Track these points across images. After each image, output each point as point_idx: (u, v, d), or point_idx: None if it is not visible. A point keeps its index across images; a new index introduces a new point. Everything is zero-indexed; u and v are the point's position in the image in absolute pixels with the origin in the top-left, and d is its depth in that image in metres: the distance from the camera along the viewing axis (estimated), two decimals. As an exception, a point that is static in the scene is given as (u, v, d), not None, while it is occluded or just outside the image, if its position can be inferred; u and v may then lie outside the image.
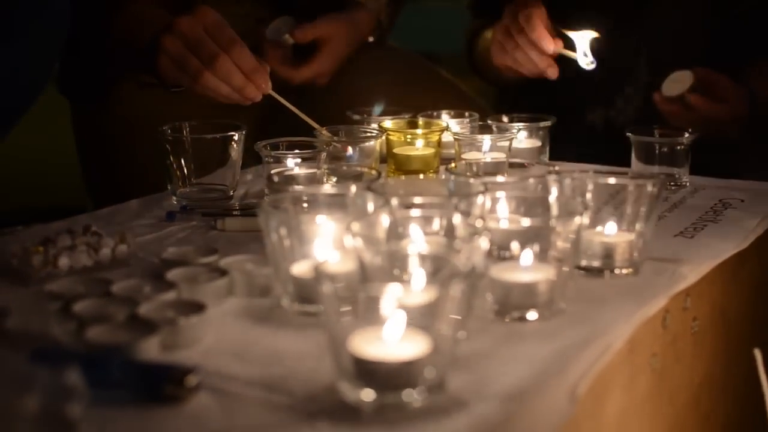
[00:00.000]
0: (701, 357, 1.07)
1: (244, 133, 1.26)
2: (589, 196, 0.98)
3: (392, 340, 0.71)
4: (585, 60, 1.49)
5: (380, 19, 1.61)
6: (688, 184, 1.33)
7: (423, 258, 0.80)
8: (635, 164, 1.33)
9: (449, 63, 3.36)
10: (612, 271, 0.98)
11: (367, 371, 0.71)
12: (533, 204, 0.96)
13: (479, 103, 1.83)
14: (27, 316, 0.83)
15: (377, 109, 1.54)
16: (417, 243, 0.83)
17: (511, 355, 0.80)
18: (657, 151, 1.31)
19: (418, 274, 0.79)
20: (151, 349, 0.78)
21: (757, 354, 0.99)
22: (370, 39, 1.61)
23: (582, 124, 1.85)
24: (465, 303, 0.82)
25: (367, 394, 0.71)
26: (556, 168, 1.04)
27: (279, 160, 1.23)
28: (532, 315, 0.87)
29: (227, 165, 1.27)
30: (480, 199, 0.95)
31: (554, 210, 0.95)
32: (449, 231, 0.88)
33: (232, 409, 0.71)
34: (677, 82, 1.54)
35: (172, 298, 0.88)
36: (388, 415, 0.70)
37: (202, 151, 1.25)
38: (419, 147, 1.37)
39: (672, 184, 1.31)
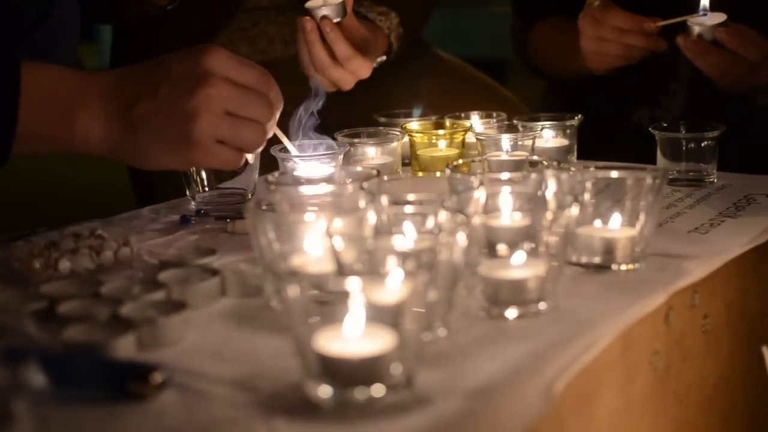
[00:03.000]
0: (715, 356, 1.03)
1: None
2: (586, 190, 0.96)
3: (356, 337, 0.71)
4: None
5: (391, 40, 1.60)
6: (715, 180, 1.29)
7: (400, 255, 0.79)
8: (661, 161, 1.30)
9: (513, 69, 3.36)
10: (612, 267, 0.96)
11: (330, 368, 0.70)
12: (532, 200, 0.94)
13: (521, 107, 1.81)
14: (7, 316, 0.84)
15: (416, 111, 1.53)
16: (396, 240, 0.82)
17: (490, 352, 0.79)
18: (683, 148, 1.28)
19: (390, 270, 0.78)
20: (126, 347, 0.78)
21: (766, 352, 0.96)
22: (382, 58, 1.60)
23: (630, 124, 1.82)
24: (443, 299, 0.81)
25: (326, 391, 0.70)
26: (554, 163, 1.02)
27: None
28: (511, 312, 0.85)
29: (246, 169, 1.27)
30: (476, 195, 0.94)
31: (551, 206, 0.93)
32: (437, 228, 0.87)
33: (193, 406, 0.71)
34: (704, 22, 1.47)
35: (160, 298, 0.88)
36: (347, 412, 0.69)
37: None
38: (442, 148, 1.36)
39: (697, 180, 1.28)
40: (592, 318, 0.85)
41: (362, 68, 1.46)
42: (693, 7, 1.47)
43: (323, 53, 1.43)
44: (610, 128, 1.76)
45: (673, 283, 0.93)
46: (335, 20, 1.42)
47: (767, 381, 1.05)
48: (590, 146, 1.46)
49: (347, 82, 1.47)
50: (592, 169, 0.97)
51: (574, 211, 0.87)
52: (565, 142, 1.41)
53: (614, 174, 0.96)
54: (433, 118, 1.46)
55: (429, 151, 1.36)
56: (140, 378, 0.72)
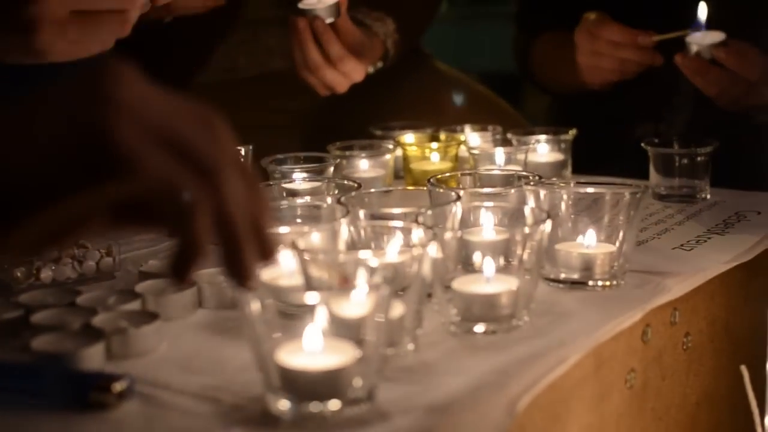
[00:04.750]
0: (699, 374, 1.03)
1: (251, 148, 1.26)
2: (565, 206, 0.95)
3: (317, 350, 0.71)
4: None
5: (387, 46, 1.60)
6: (707, 196, 1.29)
7: (367, 269, 0.79)
8: (654, 176, 1.30)
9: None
10: (589, 283, 0.95)
11: (290, 381, 0.70)
12: (509, 215, 0.94)
13: (521, 121, 1.81)
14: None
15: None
16: (364, 254, 0.82)
17: (457, 368, 0.78)
18: (676, 163, 1.28)
19: (358, 284, 0.78)
20: (95, 357, 0.79)
21: (744, 371, 0.96)
22: (379, 65, 1.60)
23: (632, 139, 1.82)
24: (411, 313, 0.81)
25: (285, 404, 0.70)
26: (536, 178, 1.02)
27: (285, 176, 1.23)
28: (482, 328, 0.85)
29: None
30: (453, 209, 0.94)
31: (527, 221, 0.92)
32: (408, 242, 0.87)
33: (153, 417, 0.71)
34: (702, 41, 1.46)
35: (135, 309, 0.89)
36: (306, 426, 0.69)
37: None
38: (435, 161, 1.36)
39: (690, 196, 1.27)
40: (564, 334, 0.85)
41: (356, 70, 1.46)
42: (691, 21, 1.47)
43: (316, 53, 1.43)
44: (613, 143, 1.75)
45: (650, 301, 0.92)
46: (328, 20, 1.43)
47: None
48: (591, 162, 1.45)
49: (341, 85, 1.48)
50: (571, 184, 0.97)
51: (548, 226, 0.86)
52: (559, 156, 1.40)
53: (592, 189, 0.96)
54: (428, 130, 1.46)
55: (421, 165, 1.36)
56: (101, 388, 0.72)
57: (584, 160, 1.45)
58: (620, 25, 1.55)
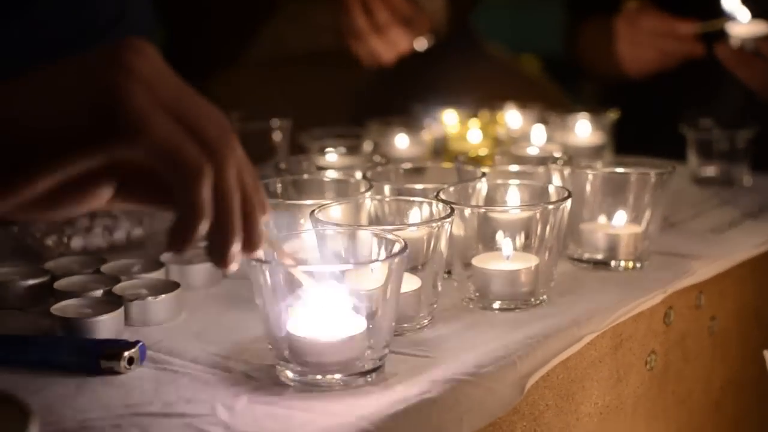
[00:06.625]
0: (725, 359, 1.02)
1: (289, 122, 1.27)
2: (591, 186, 0.95)
3: (328, 321, 0.71)
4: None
5: (434, 22, 1.60)
6: (746, 181, 1.27)
7: (384, 242, 0.79)
8: (692, 161, 1.28)
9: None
10: (612, 264, 0.95)
11: (299, 351, 0.71)
12: (534, 194, 0.94)
13: (565, 103, 1.80)
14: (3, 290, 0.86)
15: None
16: (382, 228, 0.82)
17: (469, 343, 0.78)
18: (714, 147, 1.26)
19: (370, 257, 0.78)
20: (112, 324, 0.80)
21: (767, 355, 0.95)
22: (427, 41, 1.60)
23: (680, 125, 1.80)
24: (428, 288, 0.81)
25: (293, 373, 0.71)
26: (564, 158, 1.01)
27: (321, 150, 1.23)
28: (499, 305, 0.85)
29: (274, 154, 1.28)
30: (478, 186, 0.94)
31: (550, 200, 0.92)
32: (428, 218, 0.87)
33: (163, 383, 0.72)
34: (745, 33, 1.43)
35: (159, 278, 0.90)
36: (312, 394, 0.70)
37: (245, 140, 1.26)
38: (475, 140, 1.36)
39: (728, 181, 1.26)
40: (582, 314, 0.84)
41: (402, 40, 1.46)
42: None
43: (362, 19, 1.44)
44: (660, 128, 1.73)
45: (673, 283, 0.91)
46: None
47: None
48: (639, 146, 1.43)
49: (387, 54, 1.48)
50: (598, 164, 0.96)
51: (568, 204, 0.86)
52: (600, 137, 1.39)
53: (619, 170, 0.95)
54: (468, 109, 1.46)
55: (460, 144, 1.36)
56: (112, 355, 0.73)
57: (627, 144, 1.43)
58: (661, 14, 1.52)
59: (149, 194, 0.65)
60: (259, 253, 0.67)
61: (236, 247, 0.63)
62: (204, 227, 0.61)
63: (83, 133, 0.59)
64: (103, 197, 0.64)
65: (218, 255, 0.63)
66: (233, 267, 0.64)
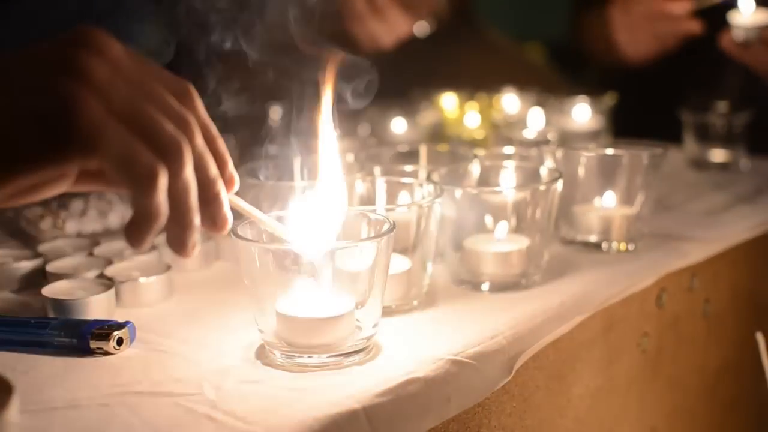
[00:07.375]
0: (719, 342, 1.02)
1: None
2: (581, 169, 0.95)
3: (317, 300, 0.71)
4: None
5: (434, 8, 1.59)
6: (743, 165, 1.26)
7: (373, 223, 0.79)
8: (689, 144, 1.28)
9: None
10: (604, 245, 0.94)
11: (287, 330, 0.71)
12: (526, 176, 0.94)
13: (564, 86, 1.80)
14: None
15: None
16: (374, 208, 0.82)
17: (459, 324, 0.78)
18: (711, 131, 1.26)
19: (359, 237, 0.78)
20: (103, 306, 0.80)
21: (760, 338, 0.95)
22: (427, 25, 1.60)
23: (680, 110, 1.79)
24: (418, 268, 0.81)
25: (281, 352, 0.71)
26: (556, 140, 1.01)
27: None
28: (486, 286, 0.85)
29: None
30: (471, 168, 0.94)
31: (541, 182, 0.92)
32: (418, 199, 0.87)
33: (152, 363, 0.72)
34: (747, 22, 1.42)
35: (151, 260, 0.90)
36: (300, 374, 0.70)
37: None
38: (472, 125, 1.36)
39: (725, 164, 1.25)
40: (572, 296, 0.84)
41: (401, 23, 1.46)
42: None
43: (362, 2, 1.44)
44: (660, 114, 1.72)
45: (665, 265, 0.91)
46: None
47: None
48: (639, 131, 1.43)
49: (386, 36, 1.48)
50: (590, 146, 0.96)
51: (560, 186, 0.86)
52: (598, 122, 1.39)
53: (611, 152, 0.95)
54: (466, 93, 1.46)
55: (457, 128, 1.36)
56: (101, 335, 0.73)
57: (627, 129, 1.42)
58: None
59: (107, 184, 0.66)
60: (227, 230, 0.67)
61: (193, 239, 0.63)
62: (160, 225, 0.61)
63: (33, 144, 0.58)
64: (62, 188, 0.64)
65: (176, 246, 0.64)
66: (193, 254, 0.64)
